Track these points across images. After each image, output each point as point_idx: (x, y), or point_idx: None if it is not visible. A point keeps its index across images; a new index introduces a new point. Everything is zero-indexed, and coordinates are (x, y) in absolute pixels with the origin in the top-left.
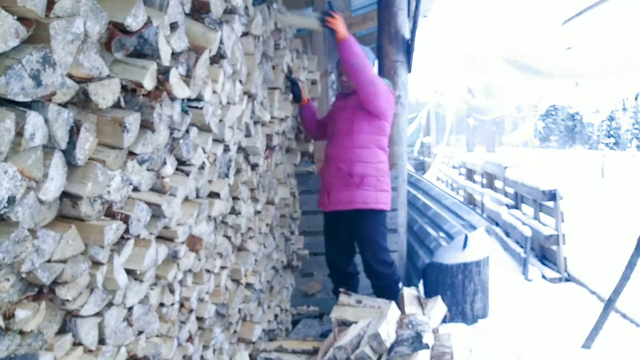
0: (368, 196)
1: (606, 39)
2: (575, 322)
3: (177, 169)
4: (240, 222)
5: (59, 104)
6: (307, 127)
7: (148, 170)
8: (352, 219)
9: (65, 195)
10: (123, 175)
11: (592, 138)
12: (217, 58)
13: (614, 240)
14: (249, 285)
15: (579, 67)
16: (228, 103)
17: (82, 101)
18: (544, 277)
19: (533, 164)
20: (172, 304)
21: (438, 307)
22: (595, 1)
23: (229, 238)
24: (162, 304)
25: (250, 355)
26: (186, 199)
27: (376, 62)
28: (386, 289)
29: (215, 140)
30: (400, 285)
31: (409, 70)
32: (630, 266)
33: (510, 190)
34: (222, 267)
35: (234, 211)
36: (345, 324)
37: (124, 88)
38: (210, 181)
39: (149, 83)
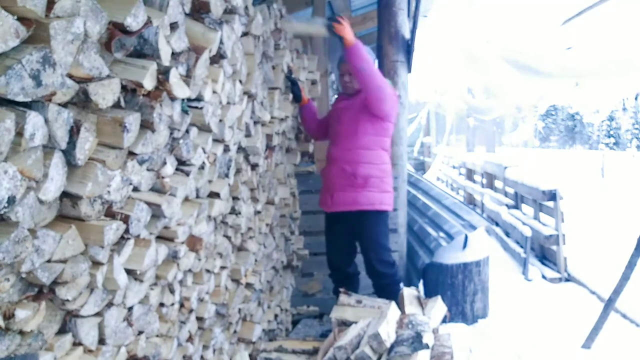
0: (372, 197)
1: (606, 39)
2: (575, 322)
3: (177, 169)
4: (240, 222)
5: (59, 104)
6: (307, 127)
7: (148, 170)
8: (356, 219)
9: (65, 195)
10: (123, 175)
11: (592, 138)
12: (217, 58)
13: (614, 240)
14: (249, 285)
15: (579, 67)
16: (228, 103)
17: (82, 101)
18: (544, 277)
19: (533, 164)
20: (172, 304)
21: (438, 307)
22: (595, 1)
23: (229, 238)
24: (162, 304)
25: (250, 355)
26: (186, 199)
27: (376, 62)
28: (387, 289)
29: (215, 140)
30: (401, 285)
31: (409, 70)
32: (630, 266)
33: (510, 190)
34: (222, 267)
35: (234, 211)
36: (345, 324)
37: (124, 88)
38: (210, 181)
39: (149, 83)
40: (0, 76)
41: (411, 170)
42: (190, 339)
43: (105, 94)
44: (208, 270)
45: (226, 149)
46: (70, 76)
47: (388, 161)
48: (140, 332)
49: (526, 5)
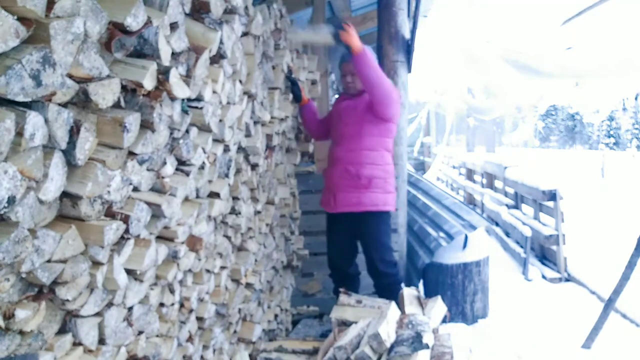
0: (376, 198)
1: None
2: (575, 322)
3: (177, 169)
4: (240, 222)
5: (59, 104)
6: (307, 127)
7: (148, 170)
8: (358, 220)
9: (65, 195)
10: (123, 175)
11: (592, 138)
12: (217, 58)
13: (614, 240)
14: (249, 285)
15: (579, 67)
16: (228, 103)
17: (82, 101)
18: (544, 277)
19: (533, 164)
20: (172, 304)
21: (438, 307)
22: (595, 1)
23: (229, 238)
24: (162, 304)
25: (250, 355)
26: (186, 199)
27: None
28: (389, 289)
29: (215, 140)
30: (402, 285)
31: (409, 70)
32: (630, 266)
33: (510, 190)
34: (222, 267)
35: (234, 211)
36: (345, 324)
37: (124, 88)
38: (210, 181)
39: (149, 83)
40: (0, 76)
41: (411, 170)
42: (190, 339)
43: (105, 94)
44: (208, 270)
45: (226, 149)
46: (70, 76)
47: (391, 162)
48: (140, 332)
49: (526, 5)
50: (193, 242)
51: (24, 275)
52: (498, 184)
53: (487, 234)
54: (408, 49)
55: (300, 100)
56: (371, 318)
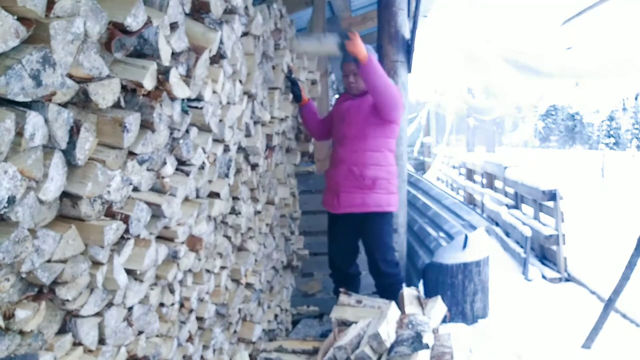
0: (380, 199)
1: (606, 39)
2: (575, 322)
3: (177, 169)
4: (240, 222)
5: (59, 104)
6: (308, 127)
7: (148, 170)
8: (361, 220)
9: (65, 195)
10: (123, 175)
11: (592, 138)
12: (217, 58)
13: (614, 240)
14: (249, 285)
15: (579, 67)
16: (228, 103)
17: (82, 101)
18: (544, 277)
19: (533, 164)
20: (172, 304)
21: (438, 307)
22: (595, 1)
23: (229, 238)
24: (162, 304)
25: (250, 355)
26: (186, 199)
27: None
28: (390, 289)
29: (215, 140)
30: (404, 285)
31: (409, 70)
32: (630, 266)
33: (510, 190)
34: (222, 267)
35: (234, 211)
36: (345, 324)
37: (124, 88)
38: (210, 181)
39: (149, 83)
40: (0, 76)
41: (411, 170)
42: (190, 339)
43: (105, 94)
44: (208, 270)
45: (226, 149)
46: (70, 76)
47: (394, 162)
48: (140, 332)
49: (526, 5)
50: (193, 242)
51: (24, 275)
52: (498, 184)
53: (487, 234)
54: (408, 49)
55: (300, 100)
56: (371, 318)
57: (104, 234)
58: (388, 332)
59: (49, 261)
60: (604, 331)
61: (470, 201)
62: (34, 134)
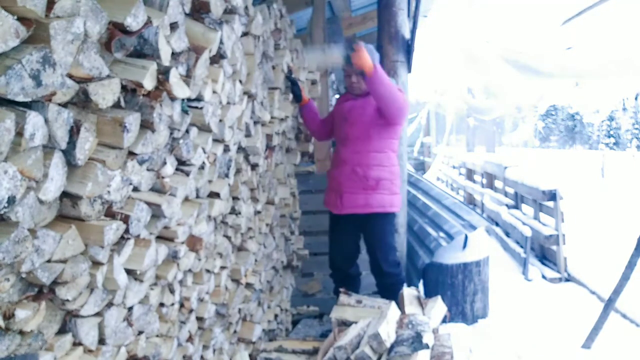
0: (383, 200)
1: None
2: (575, 322)
3: (177, 169)
4: (240, 222)
5: (59, 104)
6: (309, 127)
7: (148, 170)
8: (364, 221)
9: (65, 195)
10: (123, 175)
11: (592, 138)
12: (217, 58)
13: (614, 240)
14: (249, 285)
15: (579, 67)
16: (228, 103)
17: (82, 101)
18: (544, 277)
19: (533, 164)
20: (172, 304)
21: (438, 307)
22: (595, 1)
23: (229, 238)
24: (162, 304)
25: (250, 355)
26: (186, 199)
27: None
28: (392, 289)
29: (215, 140)
30: (405, 285)
31: (409, 70)
32: (630, 266)
33: (510, 190)
34: (222, 267)
35: (234, 211)
36: (345, 324)
37: (124, 88)
38: (210, 181)
39: (149, 83)
40: (0, 76)
41: (411, 170)
42: (190, 339)
43: (105, 94)
44: (208, 270)
45: (226, 149)
46: (70, 76)
47: (397, 163)
48: (140, 332)
49: (526, 5)
50: (193, 242)
51: (24, 275)
52: (498, 184)
53: (487, 234)
54: (408, 49)
55: (301, 100)
56: (371, 318)
57: (104, 234)
58: (388, 332)
59: (49, 261)
60: (604, 331)
61: (470, 201)
62: (34, 134)
